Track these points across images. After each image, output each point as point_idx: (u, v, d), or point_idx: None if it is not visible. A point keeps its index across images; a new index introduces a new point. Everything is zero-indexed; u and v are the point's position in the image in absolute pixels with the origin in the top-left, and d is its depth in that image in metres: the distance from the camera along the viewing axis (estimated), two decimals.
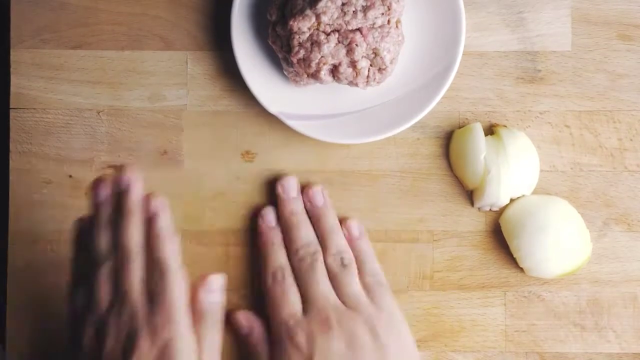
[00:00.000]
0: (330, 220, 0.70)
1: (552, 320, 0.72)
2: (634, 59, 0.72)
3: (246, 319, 0.70)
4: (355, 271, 0.69)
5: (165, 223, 0.64)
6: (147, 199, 0.64)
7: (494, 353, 0.72)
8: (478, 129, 0.70)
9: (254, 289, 0.72)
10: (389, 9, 0.65)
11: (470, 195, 0.72)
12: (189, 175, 0.72)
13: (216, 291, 0.66)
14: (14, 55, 0.72)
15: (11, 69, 0.72)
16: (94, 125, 0.72)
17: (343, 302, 0.67)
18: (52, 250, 0.72)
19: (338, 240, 0.69)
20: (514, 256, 0.71)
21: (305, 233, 0.70)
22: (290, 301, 0.67)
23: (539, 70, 0.72)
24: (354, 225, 0.71)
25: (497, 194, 0.69)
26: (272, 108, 0.70)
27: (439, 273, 0.72)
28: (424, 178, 0.72)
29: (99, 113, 0.72)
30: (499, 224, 0.72)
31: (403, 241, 0.72)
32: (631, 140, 0.72)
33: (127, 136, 0.72)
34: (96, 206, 0.63)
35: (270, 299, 0.68)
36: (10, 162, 0.72)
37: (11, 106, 0.72)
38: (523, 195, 0.71)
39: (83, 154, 0.72)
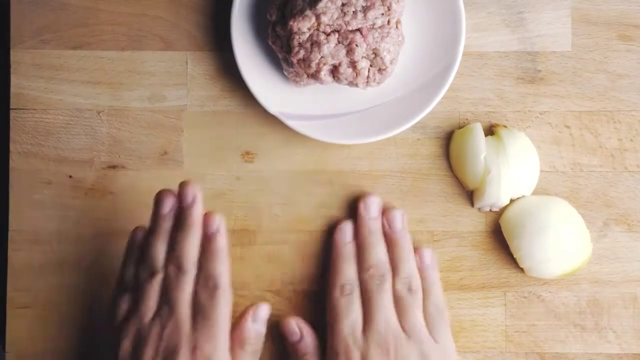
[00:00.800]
0: (405, 246, 0.70)
1: (552, 320, 0.72)
2: (634, 59, 0.72)
3: (298, 325, 0.70)
4: (421, 300, 0.69)
5: (223, 242, 0.66)
6: (208, 216, 0.66)
7: (494, 353, 0.72)
8: (478, 129, 0.70)
9: (254, 289, 0.72)
10: (389, 10, 0.65)
11: (470, 195, 0.72)
12: (189, 175, 0.72)
13: (262, 321, 0.70)
14: (14, 56, 0.72)
15: (11, 69, 0.72)
16: (94, 126, 0.72)
17: (403, 329, 0.67)
18: (52, 250, 0.72)
19: (409, 267, 0.69)
20: (514, 256, 0.71)
21: (379, 253, 0.69)
22: (353, 316, 0.68)
23: (539, 71, 0.72)
24: (427, 254, 0.71)
25: (497, 194, 0.69)
26: (272, 108, 0.70)
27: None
28: (424, 178, 0.72)
29: (99, 113, 0.72)
30: (499, 224, 0.72)
31: None
32: (631, 140, 0.72)
33: (127, 136, 0.72)
34: (158, 217, 0.65)
35: (333, 311, 0.68)
36: (10, 162, 0.72)
37: (11, 106, 0.72)
38: (523, 196, 0.71)
39: (83, 154, 0.72)
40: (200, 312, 0.64)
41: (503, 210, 0.71)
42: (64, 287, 0.72)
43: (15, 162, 0.72)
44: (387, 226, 0.70)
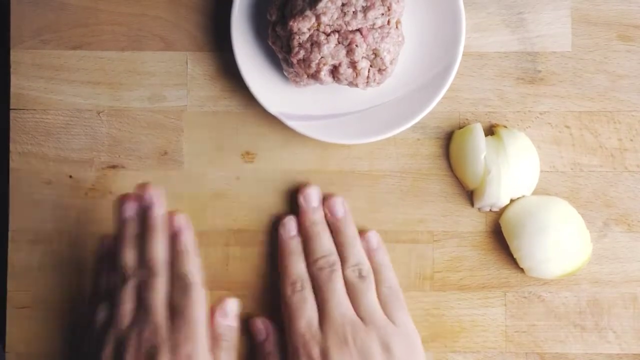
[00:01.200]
0: (350, 232, 0.70)
1: (552, 320, 0.72)
2: (634, 60, 0.72)
3: (264, 325, 0.70)
4: (373, 283, 0.69)
5: (189, 239, 0.67)
6: (171, 215, 0.67)
7: (494, 354, 0.72)
8: (478, 129, 0.70)
9: (254, 289, 0.72)
10: (389, 10, 0.65)
11: (470, 195, 0.72)
12: (189, 175, 0.72)
13: (232, 315, 0.70)
14: (14, 56, 0.72)
15: (11, 70, 0.72)
16: (94, 126, 0.72)
17: (359, 315, 0.67)
18: (52, 250, 0.72)
19: (357, 252, 0.69)
20: (514, 256, 0.71)
21: (325, 243, 0.69)
22: (308, 312, 0.67)
23: (539, 71, 0.72)
24: (373, 237, 0.71)
25: (497, 194, 0.69)
26: (272, 108, 0.70)
27: (439, 273, 0.72)
28: (424, 178, 0.72)
29: (99, 113, 0.72)
30: (499, 224, 0.72)
31: (403, 242, 0.72)
32: (631, 140, 0.72)
33: (127, 137, 0.72)
34: (121, 223, 0.66)
35: (287, 309, 0.68)
36: (10, 162, 0.72)
37: (11, 107, 0.72)
38: (523, 196, 0.71)
39: (83, 154, 0.72)
40: (176, 312, 0.64)
41: (503, 210, 0.71)
42: (64, 287, 0.72)
43: (15, 162, 0.72)
44: (329, 214, 0.71)
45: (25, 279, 0.72)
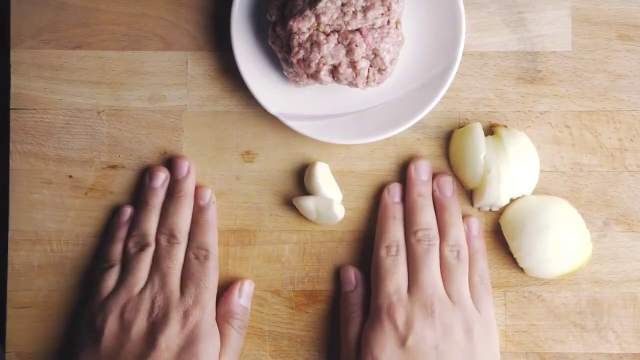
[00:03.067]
0: (454, 212, 0.70)
1: (552, 320, 0.72)
2: (634, 60, 0.72)
3: (355, 276, 0.70)
4: (467, 268, 0.69)
5: (213, 214, 0.70)
6: (199, 189, 0.70)
7: None
8: (478, 129, 0.70)
9: (254, 289, 0.72)
10: (388, 10, 0.65)
11: (470, 195, 0.72)
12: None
13: (247, 296, 0.71)
14: (14, 56, 0.72)
15: (11, 69, 0.72)
16: (94, 126, 0.72)
17: (448, 294, 0.67)
18: (52, 250, 0.72)
19: (458, 233, 0.69)
20: (514, 256, 0.71)
21: (428, 217, 0.69)
22: (399, 277, 0.67)
23: (539, 71, 0.72)
24: (474, 223, 0.71)
25: (497, 194, 0.69)
26: (272, 108, 0.70)
27: None
28: None
29: (99, 113, 0.72)
30: (499, 224, 0.72)
31: None
32: (631, 140, 0.72)
33: (127, 136, 0.72)
34: (152, 190, 0.70)
35: (379, 271, 0.68)
36: (10, 162, 0.72)
37: (11, 106, 0.72)
38: (523, 196, 0.71)
39: (83, 154, 0.72)
40: (191, 280, 0.67)
41: (503, 210, 0.71)
42: (64, 287, 0.72)
43: (15, 162, 0.72)
44: (437, 191, 0.70)
45: (25, 279, 0.72)
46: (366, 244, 0.72)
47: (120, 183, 0.72)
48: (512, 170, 0.69)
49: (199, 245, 0.69)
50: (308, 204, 0.70)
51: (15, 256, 0.72)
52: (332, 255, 0.72)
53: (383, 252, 0.69)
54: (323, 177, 0.70)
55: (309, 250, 0.72)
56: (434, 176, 0.71)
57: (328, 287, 0.72)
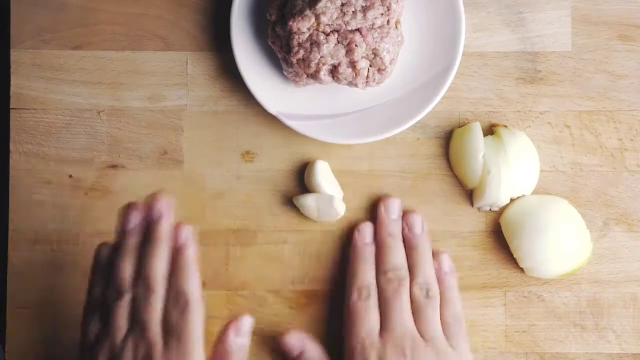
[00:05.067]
0: (425, 250, 0.70)
1: (552, 320, 0.72)
2: (634, 59, 0.72)
3: (298, 339, 0.69)
4: (438, 305, 0.68)
5: (192, 255, 0.63)
6: (176, 227, 0.63)
7: (494, 353, 0.72)
8: (476, 128, 0.70)
9: (254, 289, 0.72)
10: (388, 9, 0.65)
11: (470, 195, 0.72)
12: (189, 175, 0.72)
13: (245, 334, 0.65)
14: (14, 56, 0.72)
15: (11, 69, 0.72)
16: (94, 126, 0.72)
17: (420, 333, 0.67)
18: (52, 250, 0.72)
19: (427, 271, 0.69)
20: (514, 256, 0.71)
21: (398, 257, 0.69)
22: (370, 321, 0.67)
23: (539, 71, 0.72)
24: (445, 260, 0.70)
25: (497, 194, 0.69)
26: (272, 108, 0.70)
27: None
28: (424, 178, 0.72)
29: (99, 113, 0.72)
30: (499, 224, 0.72)
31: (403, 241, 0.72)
32: (631, 140, 0.72)
33: (127, 136, 0.72)
34: (123, 233, 0.63)
35: (351, 314, 0.68)
36: (10, 162, 0.72)
37: (11, 106, 0.72)
38: (523, 195, 0.71)
39: (83, 154, 0.72)
40: (172, 331, 0.61)
41: (503, 209, 0.71)
42: (64, 287, 0.72)
43: (15, 162, 0.72)
44: (406, 229, 0.70)
45: (25, 279, 0.72)
46: None
47: (120, 183, 0.72)
48: (512, 170, 0.69)
49: (177, 292, 0.62)
50: (309, 201, 0.70)
51: (15, 256, 0.72)
52: (332, 255, 0.72)
53: (355, 295, 0.68)
54: (323, 174, 0.70)
55: (309, 250, 0.72)
56: (404, 214, 0.71)
57: (328, 287, 0.72)
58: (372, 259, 0.70)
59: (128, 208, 0.63)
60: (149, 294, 0.61)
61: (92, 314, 0.63)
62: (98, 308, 0.63)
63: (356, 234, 0.71)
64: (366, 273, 0.69)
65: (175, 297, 0.62)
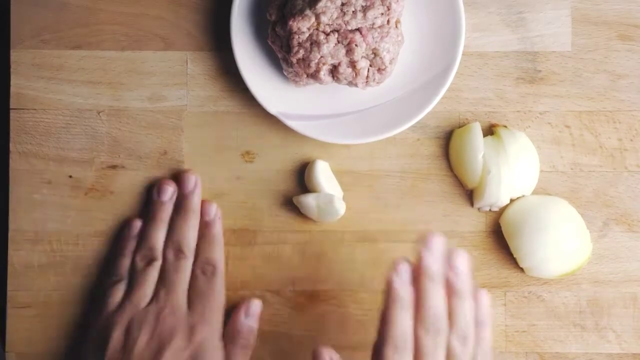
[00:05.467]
0: (467, 295, 0.62)
1: (552, 320, 0.72)
2: (634, 59, 0.72)
3: (330, 357, 0.64)
4: (472, 349, 0.62)
5: (220, 229, 0.70)
6: (205, 203, 0.70)
7: (494, 353, 0.72)
8: (476, 128, 0.70)
9: (254, 289, 0.72)
10: (388, 9, 0.65)
11: (470, 195, 0.72)
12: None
13: (254, 316, 0.70)
14: (14, 56, 0.72)
15: (11, 69, 0.72)
16: (94, 126, 0.72)
17: None
18: (52, 250, 0.72)
19: (467, 319, 0.62)
20: (514, 256, 0.71)
21: (439, 305, 0.61)
22: None
23: (539, 71, 0.72)
24: (484, 305, 0.64)
25: (497, 194, 0.69)
26: (272, 108, 0.70)
27: None
28: (424, 178, 0.72)
29: (99, 113, 0.72)
30: (499, 224, 0.72)
31: (403, 241, 0.72)
32: (631, 140, 0.72)
33: (127, 136, 0.72)
34: (160, 204, 0.69)
35: None
36: (10, 162, 0.72)
37: (11, 106, 0.72)
38: (523, 196, 0.71)
39: (83, 154, 0.72)
40: (198, 295, 0.66)
41: (503, 210, 0.71)
42: (64, 287, 0.72)
43: (15, 162, 0.72)
44: (449, 272, 0.62)
45: (25, 279, 0.72)
46: (366, 244, 0.72)
47: (120, 183, 0.72)
48: (512, 170, 0.69)
49: (206, 260, 0.68)
50: (309, 200, 0.70)
51: (15, 256, 0.72)
52: (332, 255, 0.72)
53: (390, 350, 0.60)
54: (324, 174, 0.70)
55: (309, 250, 0.72)
56: (448, 254, 0.63)
57: (328, 287, 0.72)
58: (410, 306, 0.61)
59: (164, 182, 0.70)
60: (179, 259, 0.68)
61: (116, 283, 0.68)
62: (123, 278, 0.68)
63: (395, 278, 0.62)
64: (404, 322, 0.61)
65: (204, 264, 0.68)
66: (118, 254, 0.70)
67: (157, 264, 0.68)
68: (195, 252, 0.69)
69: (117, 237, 0.71)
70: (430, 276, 0.62)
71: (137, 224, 0.70)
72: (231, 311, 0.70)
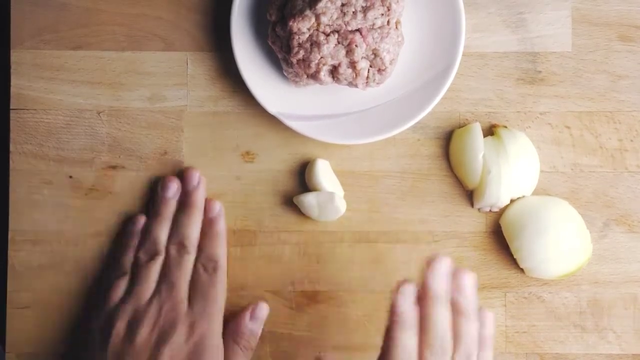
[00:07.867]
0: (472, 316, 0.62)
1: (552, 321, 0.72)
2: (634, 60, 0.72)
3: None
4: None
5: (223, 226, 0.70)
6: (209, 201, 0.71)
7: (495, 354, 0.71)
8: (476, 129, 0.70)
9: (254, 290, 0.72)
10: (388, 10, 0.65)
11: (470, 196, 0.72)
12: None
13: (259, 320, 0.70)
14: (15, 56, 0.72)
15: (11, 70, 0.72)
16: (94, 126, 0.72)
17: None
18: (52, 250, 0.72)
19: (472, 340, 0.61)
20: (515, 257, 0.71)
21: (444, 327, 0.61)
22: None
23: (540, 71, 0.72)
24: (489, 326, 0.63)
25: (498, 194, 0.69)
26: (272, 108, 0.70)
27: None
28: (424, 179, 0.72)
29: (99, 113, 0.72)
30: (500, 224, 0.72)
31: (403, 242, 0.72)
32: (631, 141, 0.72)
33: (127, 137, 0.72)
34: (164, 200, 0.70)
35: None
36: (10, 162, 0.72)
37: (11, 107, 0.72)
38: (523, 196, 0.71)
39: (83, 154, 0.72)
40: (199, 291, 0.67)
41: (503, 210, 0.71)
42: (64, 287, 0.72)
43: (15, 162, 0.72)
44: (455, 292, 0.62)
45: (25, 279, 0.72)
46: (366, 244, 0.72)
47: (120, 183, 0.72)
48: (512, 170, 0.69)
49: (208, 257, 0.69)
50: (309, 199, 0.70)
51: (15, 256, 0.72)
52: (332, 256, 0.72)
53: None
54: (324, 172, 0.70)
55: (309, 251, 0.72)
56: (454, 274, 0.62)
57: (328, 287, 0.72)
58: (414, 325, 0.61)
59: (168, 179, 0.70)
60: (182, 255, 0.68)
61: (119, 277, 0.69)
62: (126, 273, 0.69)
63: (400, 298, 0.61)
64: (409, 342, 0.60)
65: (206, 261, 0.69)
66: (122, 249, 0.70)
67: (160, 259, 0.69)
68: (198, 248, 0.69)
69: (121, 232, 0.71)
70: (435, 297, 0.61)
71: (141, 220, 0.71)
72: (234, 311, 0.70)
